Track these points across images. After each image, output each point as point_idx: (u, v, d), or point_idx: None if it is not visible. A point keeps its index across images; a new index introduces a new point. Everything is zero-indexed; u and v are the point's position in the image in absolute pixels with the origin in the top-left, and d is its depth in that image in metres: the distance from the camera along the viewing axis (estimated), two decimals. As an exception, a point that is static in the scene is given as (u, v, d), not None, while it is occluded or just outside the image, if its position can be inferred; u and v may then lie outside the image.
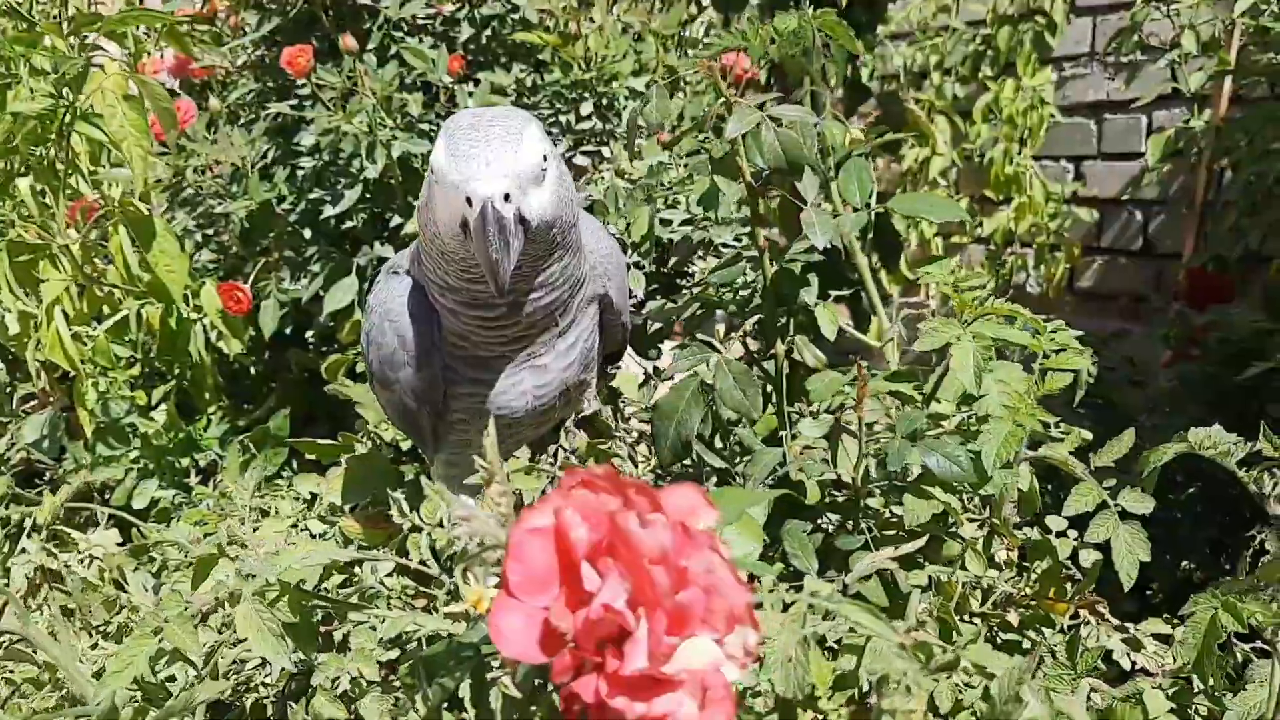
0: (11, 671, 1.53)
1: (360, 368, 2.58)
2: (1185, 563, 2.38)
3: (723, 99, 1.53)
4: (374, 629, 1.32)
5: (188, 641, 1.10)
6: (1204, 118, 3.40)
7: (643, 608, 0.74)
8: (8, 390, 2.88)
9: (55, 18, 2.28)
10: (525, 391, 1.64)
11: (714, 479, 1.78)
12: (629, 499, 0.77)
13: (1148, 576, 2.31)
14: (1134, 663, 1.57)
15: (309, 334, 2.95)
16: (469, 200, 1.35)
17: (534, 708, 0.91)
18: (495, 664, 0.92)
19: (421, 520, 1.04)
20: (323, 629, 1.57)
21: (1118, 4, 4.27)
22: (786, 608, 0.94)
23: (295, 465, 2.57)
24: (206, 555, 1.26)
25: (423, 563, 1.19)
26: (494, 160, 1.35)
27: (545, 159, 1.42)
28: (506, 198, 1.35)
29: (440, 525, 1.05)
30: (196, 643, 1.12)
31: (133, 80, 2.16)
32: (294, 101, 2.71)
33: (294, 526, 1.94)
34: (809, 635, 0.94)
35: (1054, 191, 4.55)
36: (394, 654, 1.30)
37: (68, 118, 2.17)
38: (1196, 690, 1.37)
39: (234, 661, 1.49)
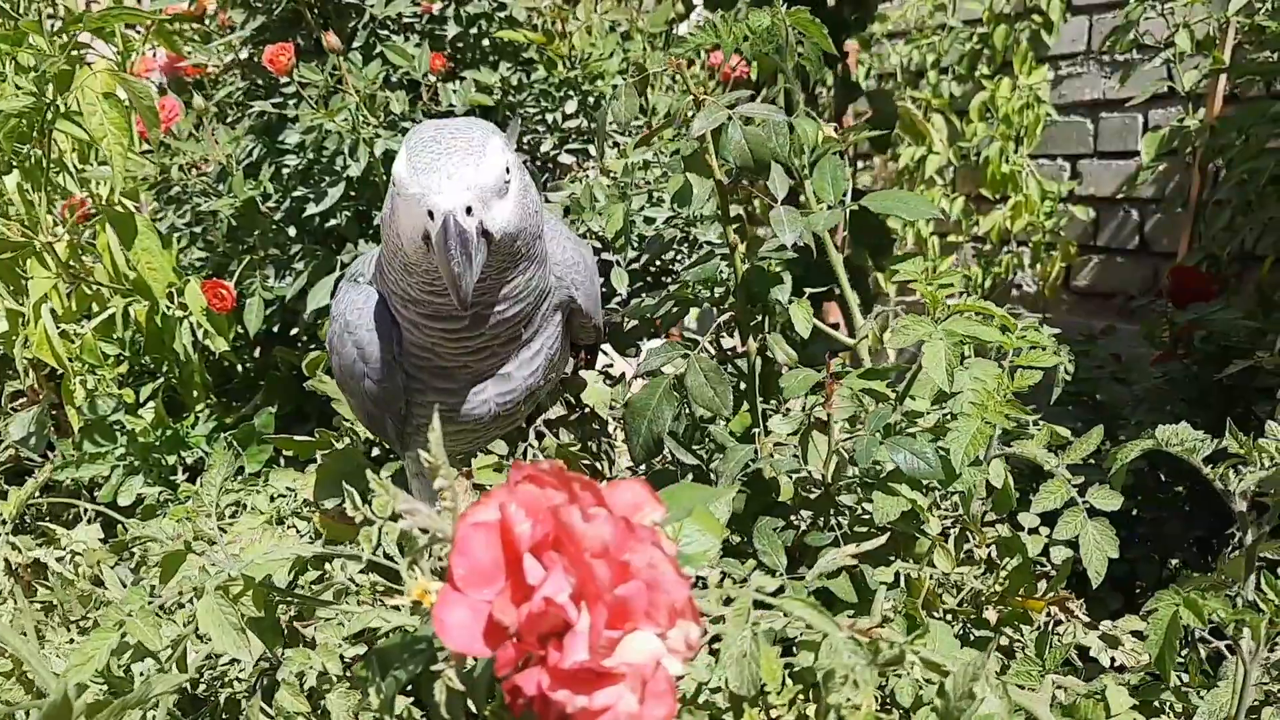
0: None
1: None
2: (1173, 561, 2.38)
3: (692, 96, 1.53)
4: (342, 624, 1.32)
5: (149, 635, 1.11)
6: (1199, 116, 3.39)
7: (584, 601, 0.74)
8: (-4, 388, 2.89)
9: (50, 19, 2.29)
10: (488, 399, 1.64)
11: (689, 476, 1.78)
12: (574, 494, 0.77)
13: (1134, 573, 2.31)
14: (1113, 660, 1.57)
15: (295, 332, 2.95)
16: (431, 213, 1.34)
17: (492, 705, 0.91)
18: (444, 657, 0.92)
19: (374, 514, 1.04)
20: (298, 625, 1.58)
21: (1114, 2, 4.26)
22: (727, 602, 0.94)
23: (282, 462, 2.58)
24: (174, 552, 1.26)
25: (389, 558, 1.19)
26: (455, 173, 1.34)
27: (508, 171, 1.41)
28: (469, 211, 1.34)
29: (393, 519, 1.06)
30: (158, 636, 1.12)
31: (116, 79, 2.16)
32: (278, 99, 2.71)
33: (279, 523, 1.95)
34: (761, 632, 0.94)
35: (1050, 190, 4.54)
36: (361, 649, 1.30)
37: (49, 115, 2.17)
38: (1163, 686, 1.37)
39: (207, 656, 1.50)
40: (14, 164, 2.31)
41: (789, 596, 0.93)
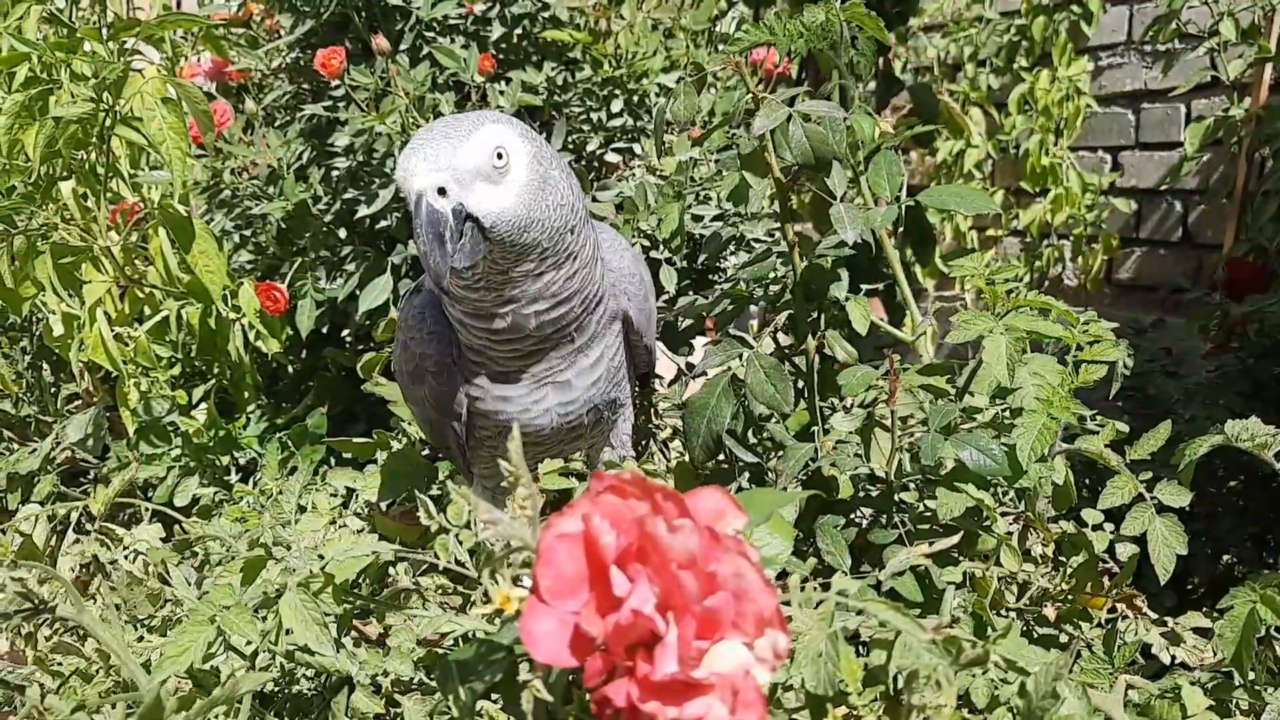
0: (60, 663, 1.57)
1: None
2: (1226, 556, 2.36)
3: (750, 94, 1.53)
4: (411, 627, 1.33)
5: (247, 629, 1.13)
6: (1244, 105, 3.35)
7: (672, 612, 0.75)
8: (53, 390, 2.93)
9: (94, 23, 2.32)
10: (549, 409, 1.63)
11: (746, 474, 1.78)
12: (656, 504, 0.77)
13: (1188, 569, 2.29)
14: (1174, 657, 1.56)
15: (345, 333, 2.97)
16: (410, 196, 1.37)
17: (569, 708, 0.92)
18: (526, 665, 0.93)
19: (448, 522, 1.05)
20: (358, 624, 1.59)
21: (1154, -9, 4.22)
22: (817, 605, 0.94)
23: (333, 462, 2.60)
24: (255, 558, 1.28)
25: (459, 563, 1.20)
26: (431, 155, 1.35)
27: (501, 158, 1.40)
28: (442, 192, 1.35)
29: (467, 527, 1.07)
30: (256, 630, 1.15)
31: (170, 84, 2.19)
32: (328, 103, 2.73)
33: (331, 523, 1.96)
34: (839, 631, 0.94)
35: (1091, 182, 4.50)
36: (425, 651, 1.31)
37: (108, 121, 2.20)
38: (1236, 684, 1.36)
39: (272, 655, 1.52)
40: (71, 169, 2.34)
41: (871, 599, 0.93)
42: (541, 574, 0.77)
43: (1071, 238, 4.63)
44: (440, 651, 1.34)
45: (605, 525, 0.77)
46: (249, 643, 1.22)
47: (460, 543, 1.12)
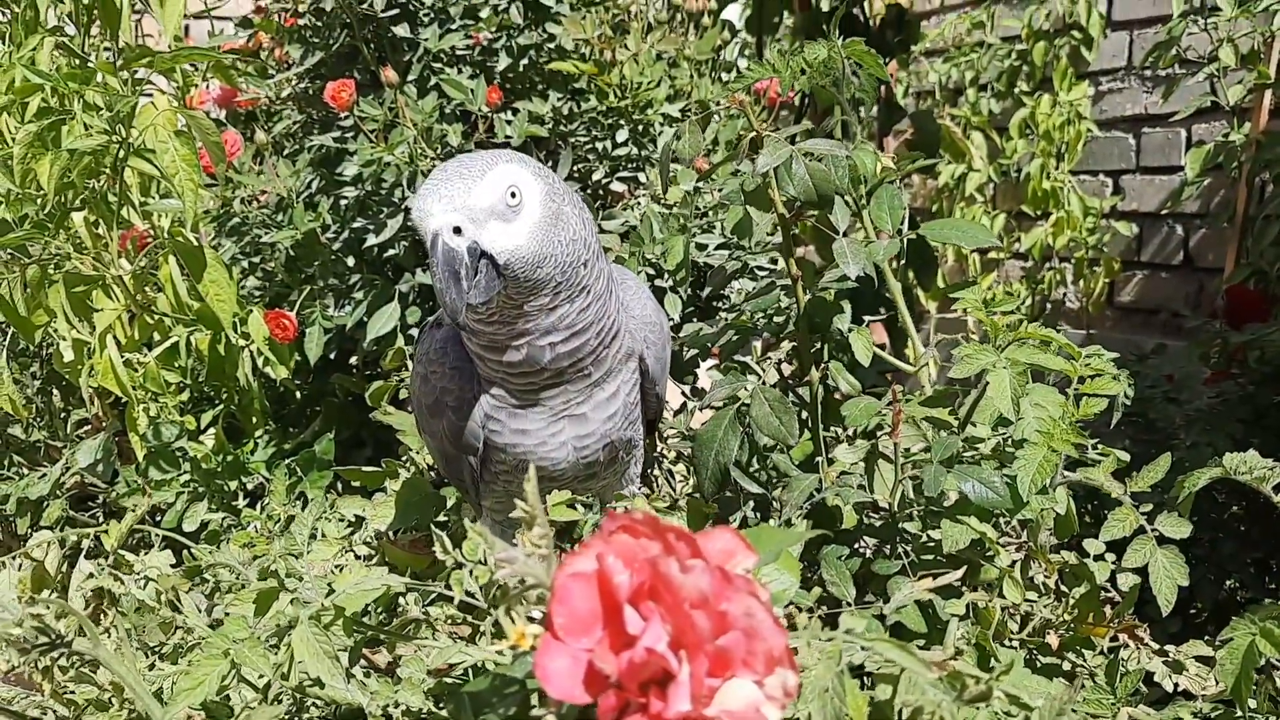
0: (73, 693, 1.58)
1: (404, 394, 2.63)
2: (1229, 583, 2.37)
3: (754, 132, 1.55)
4: (421, 658, 1.35)
5: (260, 662, 1.15)
6: (1244, 131, 3.37)
7: (684, 650, 0.76)
8: (63, 416, 2.95)
9: (106, 51, 2.35)
10: (566, 443, 1.64)
11: (751, 504, 1.80)
12: (669, 544, 0.79)
13: (1191, 597, 2.30)
14: (1176, 685, 1.57)
15: (353, 359, 2.99)
16: (426, 236, 1.40)
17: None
18: (539, 699, 0.95)
19: (463, 557, 1.07)
20: (366, 651, 1.61)
21: (1154, 18, 4.25)
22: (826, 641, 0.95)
23: (340, 488, 2.62)
24: (268, 590, 1.29)
25: (469, 594, 1.22)
26: (446, 195, 1.39)
27: (514, 196, 1.42)
28: (457, 231, 1.38)
29: (481, 563, 1.09)
30: (269, 663, 1.16)
31: (182, 115, 2.21)
32: (337, 133, 2.76)
33: (341, 551, 1.98)
34: (845, 666, 0.96)
35: (1092, 206, 4.53)
36: (435, 682, 1.33)
37: (121, 153, 2.22)
38: (1237, 715, 1.37)
39: (284, 687, 1.53)
40: (83, 199, 2.36)
41: (878, 638, 0.95)
42: (556, 611, 0.79)
43: (1073, 261, 4.65)
44: (450, 681, 1.35)
45: (618, 564, 0.78)
46: (261, 675, 1.24)
47: (474, 576, 1.13)
